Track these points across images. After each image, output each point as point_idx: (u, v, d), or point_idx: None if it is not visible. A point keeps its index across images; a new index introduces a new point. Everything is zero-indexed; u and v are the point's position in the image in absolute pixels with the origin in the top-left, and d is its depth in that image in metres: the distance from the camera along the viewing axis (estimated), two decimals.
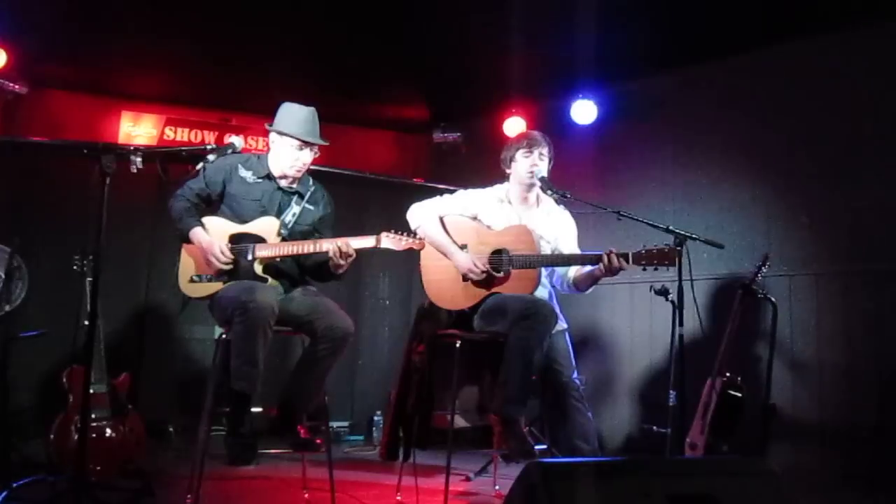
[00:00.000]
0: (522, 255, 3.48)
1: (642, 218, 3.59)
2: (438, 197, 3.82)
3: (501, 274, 3.52)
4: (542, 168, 3.70)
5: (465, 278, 3.58)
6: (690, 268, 3.42)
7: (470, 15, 5.03)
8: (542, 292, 3.62)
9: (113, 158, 2.88)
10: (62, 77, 6.10)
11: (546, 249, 3.65)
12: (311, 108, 3.60)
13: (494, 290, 3.53)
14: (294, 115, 3.56)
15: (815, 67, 4.88)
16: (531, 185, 3.72)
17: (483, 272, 3.53)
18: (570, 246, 3.77)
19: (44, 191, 5.58)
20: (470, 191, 3.84)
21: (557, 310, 3.67)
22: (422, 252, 3.70)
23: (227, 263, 3.41)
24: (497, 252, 3.55)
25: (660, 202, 5.49)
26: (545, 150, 3.72)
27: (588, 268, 3.57)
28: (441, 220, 3.73)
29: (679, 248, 3.39)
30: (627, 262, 3.35)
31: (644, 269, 3.36)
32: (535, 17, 4.90)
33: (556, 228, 3.76)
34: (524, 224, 3.60)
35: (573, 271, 3.69)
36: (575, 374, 3.53)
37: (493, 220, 3.70)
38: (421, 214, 3.75)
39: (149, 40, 5.42)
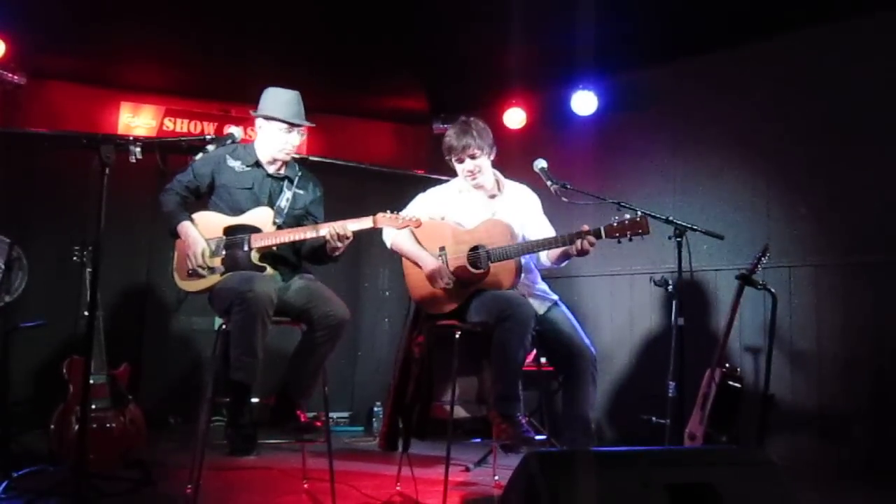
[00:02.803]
0: (499, 248, 3.48)
1: (642, 209, 3.57)
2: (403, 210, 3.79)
3: (482, 270, 3.52)
4: (482, 163, 3.62)
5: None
6: (690, 259, 3.42)
7: (469, 5, 5.02)
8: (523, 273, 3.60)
9: (112, 149, 2.87)
10: (61, 68, 6.09)
11: (517, 234, 3.62)
12: (295, 92, 3.60)
13: (477, 286, 3.52)
14: (278, 99, 3.57)
15: (815, 59, 4.86)
16: (481, 186, 3.68)
17: (448, 283, 3.52)
18: (537, 227, 3.73)
19: (43, 181, 5.58)
20: (430, 192, 3.82)
21: (546, 287, 3.67)
22: (404, 260, 3.71)
23: (201, 266, 3.39)
24: (474, 249, 3.55)
25: (660, 193, 5.49)
26: (472, 149, 3.58)
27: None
28: (412, 230, 3.67)
29: (678, 234, 3.39)
30: (600, 236, 3.33)
31: (619, 242, 3.32)
32: (535, 8, 4.89)
33: (521, 215, 3.73)
34: (496, 217, 3.58)
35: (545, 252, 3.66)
36: (586, 339, 3.47)
37: (462, 216, 3.67)
38: (391, 231, 3.72)
39: (148, 31, 5.40)
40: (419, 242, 3.68)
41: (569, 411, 3.42)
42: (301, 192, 3.67)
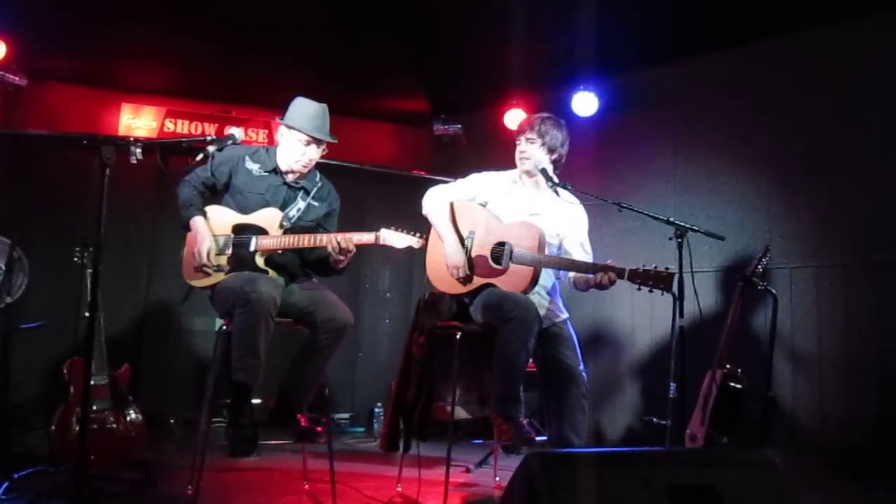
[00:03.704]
0: (523, 253, 3.48)
1: (643, 210, 3.58)
2: (453, 182, 3.81)
3: (500, 267, 3.52)
4: (533, 151, 3.65)
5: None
6: (691, 260, 3.41)
7: (470, 6, 5.02)
8: (546, 280, 3.60)
9: (113, 150, 2.88)
10: (62, 69, 6.10)
11: (552, 242, 3.63)
12: (323, 105, 3.57)
13: (491, 280, 3.52)
14: (304, 111, 3.54)
15: (816, 59, 4.86)
16: (528, 171, 3.70)
17: (460, 277, 3.53)
18: (577, 244, 3.74)
19: (44, 183, 5.58)
20: (484, 174, 3.81)
21: (560, 303, 3.67)
22: (432, 231, 3.70)
23: (206, 266, 3.39)
24: (500, 244, 3.55)
25: (660, 194, 5.49)
26: (532, 134, 3.65)
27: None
28: (452, 206, 3.70)
29: (679, 235, 3.38)
30: (622, 277, 3.32)
31: (639, 289, 3.30)
32: (535, 9, 4.89)
33: (564, 222, 3.73)
34: (532, 223, 3.57)
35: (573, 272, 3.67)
36: (582, 367, 3.50)
37: (503, 209, 3.67)
38: (433, 201, 3.73)
39: (149, 32, 5.41)
40: (454, 220, 3.68)
41: (557, 435, 3.41)
42: (316, 203, 3.66)
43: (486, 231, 3.60)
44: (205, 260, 3.39)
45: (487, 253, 3.55)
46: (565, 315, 3.64)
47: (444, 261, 3.61)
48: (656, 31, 5.15)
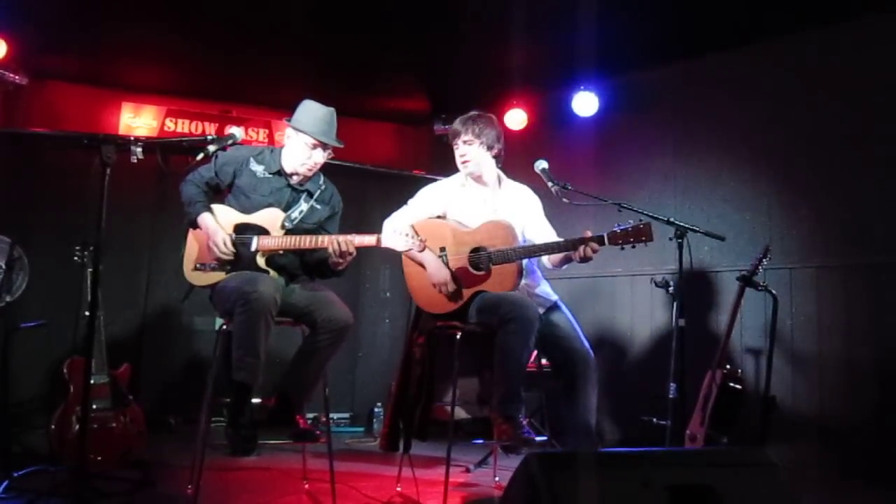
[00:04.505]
0: (500, 251, 3.47)
1: (643, 210, 3.57)
2: (405, 206, 3.79)
3: (482, 272, 3.51)
4: (473, 153, 3.66)
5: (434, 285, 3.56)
6: (691, 260, 3.42)
7: (471, 6, 5.02)
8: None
9: (113, 149, 2.88)
10: (63, 68, 6.10)
11: (517, 234, 3.62)
12: (331, 109, 3.57)
13: (479, 287, 3.51)
14: (312, 114, 3.54)
15: (817, 60, 4.86)
16: (472, 173, 3.71)
17: (450, 291, 3.52)
18: (538, 228, 3.74)
19: (44, 182, 5.58)
20: (432, 186, 3.81)
21: (545, 282, 3.67)
22: (404, 259, 3.69)
23: (226, 254, 3.41)
24: (475, 250, 3.54)
25: (661, 194, 5.49)
26: (468, 135, 3.66)
27: None
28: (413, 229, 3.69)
29: (679, 235, 3.38)
30: (603, 243, 3.32)
31: (622, 249, 3.33)
32: (536, 9, 4.89)
33: (521, 214, 3.73)
34: (499, 219, 3.57)
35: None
36: (588, 346, 3.46)
37: (464, 214, 3.67)
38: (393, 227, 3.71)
39: (149, 31, 5.41)
40: None
41: (571, 417, 3.39)
42: (319, 206, 3.65)
43: (457, 242, 3.60)
44: (224, 249, 3.39)
45: (466, 263, 3.55)
46: (554, 297, 3.64)
47: (426, 283, 3.59)
48: (656, 31, 5.15)
